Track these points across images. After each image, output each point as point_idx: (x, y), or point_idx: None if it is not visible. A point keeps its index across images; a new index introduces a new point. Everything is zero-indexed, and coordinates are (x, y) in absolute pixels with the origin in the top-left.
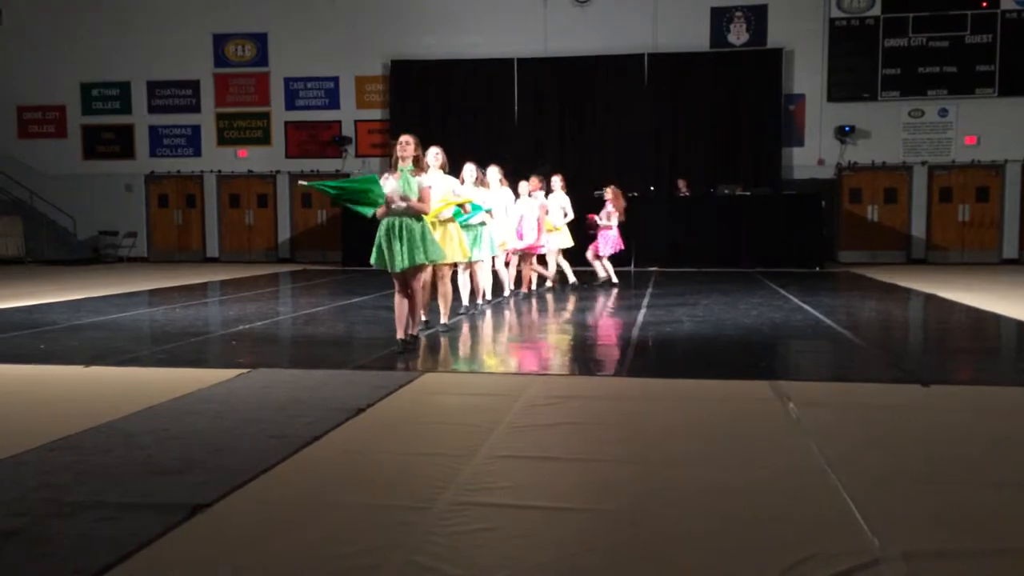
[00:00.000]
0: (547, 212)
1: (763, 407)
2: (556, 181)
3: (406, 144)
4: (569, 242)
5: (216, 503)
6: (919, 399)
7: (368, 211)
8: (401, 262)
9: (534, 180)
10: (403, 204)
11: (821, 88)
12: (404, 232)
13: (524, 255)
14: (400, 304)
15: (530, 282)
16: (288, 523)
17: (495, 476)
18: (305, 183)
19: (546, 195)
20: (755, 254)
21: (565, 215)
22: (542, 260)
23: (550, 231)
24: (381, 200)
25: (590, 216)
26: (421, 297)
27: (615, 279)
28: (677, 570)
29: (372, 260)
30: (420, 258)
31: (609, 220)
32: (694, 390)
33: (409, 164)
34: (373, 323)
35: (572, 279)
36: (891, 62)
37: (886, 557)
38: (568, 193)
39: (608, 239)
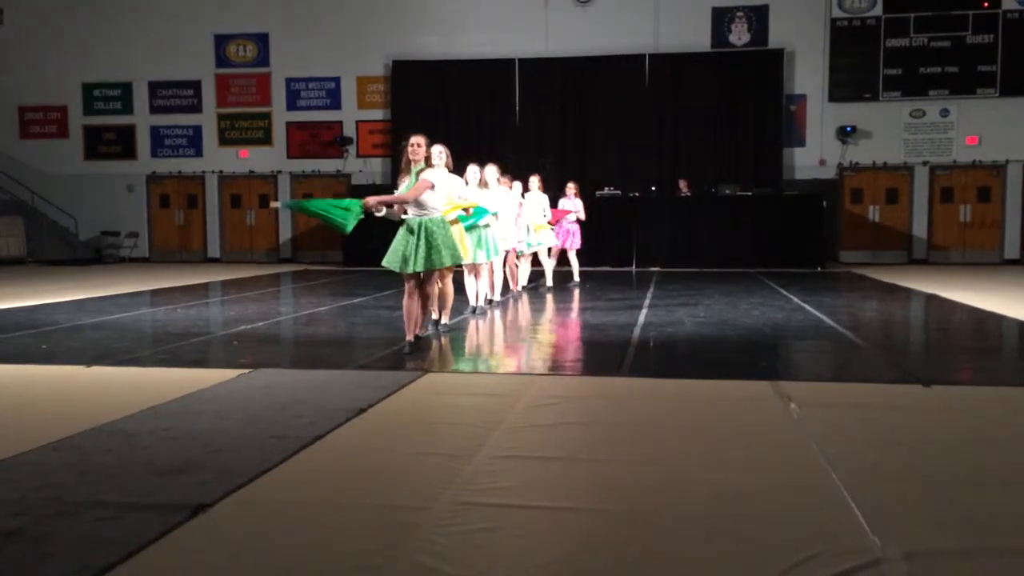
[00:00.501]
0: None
1: (764, 407)
2: (533, 181)
3: (417, 146)
4: (555, 240)
5: (217, 503)
6: (920, 399)
7: (347, 227)
8: (416, 264)
9: (504, 179)
10: (382, 212)
11: (822, 88)
12: (424, 233)
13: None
14: (410, 305)
15: (517, 280)
16: (289, 523)
17: (496, 476)
18: (278, 204)
19: (523, 194)
20: (756, 254)
21: (544, 215)
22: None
23: (538, 230)
24: (359, 212)
25: (564, 211)
26: (435, 299)
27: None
28: (678, 570)
29: (385, 261)
30: (441, 261)
31: (579, 214)
32: (695, 390)
33: (421, 165)
34: (374, 323)
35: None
36: (892, 62)
37: (887, 557)
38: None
39: (577, 234)
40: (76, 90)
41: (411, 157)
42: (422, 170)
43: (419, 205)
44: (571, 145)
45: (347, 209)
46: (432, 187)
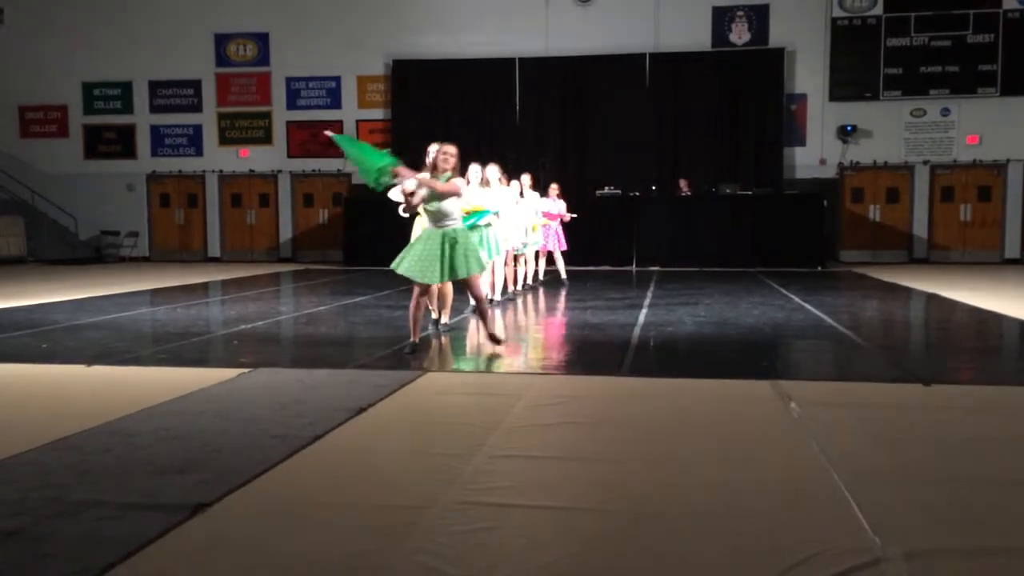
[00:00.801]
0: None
1: (764, 407)
2: (525, 180)
3: (450, 156)
4: (542, 240)
5: (217, 503)
6: (920, 398)
7: (375, 181)
8: (442, 275)
9: (502, 178)
10: (408, 185)
11: (823, 87)
12: (448, 244)
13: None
14: (416, 310)
15: (515, 280)
16: (289, 523)
17: (496, 476)
18: (330, 133)
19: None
20: (756, 254)
21: (536, 214)
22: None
23: (533, 230)
24: (387, 170)
25: (559, 214)
26: (435, 298)
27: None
28: (678, 569)
29: (404, 270)
30: (470, 269)
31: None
32: (695, 390)
33: (448, 174)
34: (374, 323)
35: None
36: (893, 61)
37: (887, 556)
38: (569, 192)
39: (561, 235)
40: (76, 89)
41: (441, 165)
42: (450, 178)
43: (442, 214)
44: (571, 144)
45: (376, 162)
46: (459, 195)
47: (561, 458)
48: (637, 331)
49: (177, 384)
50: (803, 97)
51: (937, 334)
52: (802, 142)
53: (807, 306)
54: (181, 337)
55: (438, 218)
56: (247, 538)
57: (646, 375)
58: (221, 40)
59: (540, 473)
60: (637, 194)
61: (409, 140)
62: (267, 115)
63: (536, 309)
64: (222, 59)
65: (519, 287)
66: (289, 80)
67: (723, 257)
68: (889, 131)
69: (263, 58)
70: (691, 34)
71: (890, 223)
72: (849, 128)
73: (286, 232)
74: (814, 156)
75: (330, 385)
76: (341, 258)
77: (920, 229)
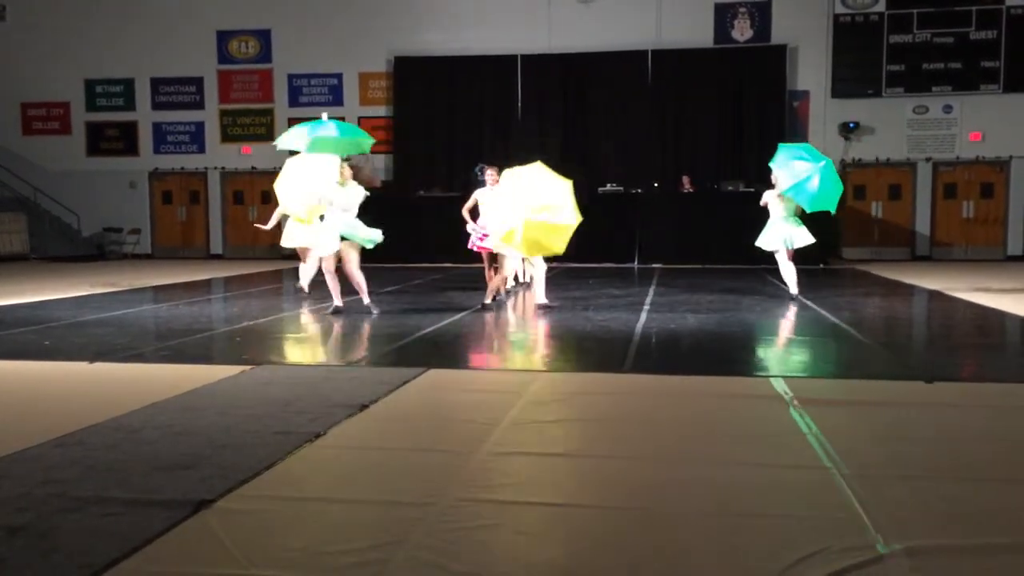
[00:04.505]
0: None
1: (767, 404)
2: None
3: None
4: None
5: (220, 499)
6: (922, 395)
7: None
8: None
9: (493, 173)
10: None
11: (825, 84)
12: None
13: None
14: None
15: (516, 277)
16: (292, 519)
17: (499, 472)
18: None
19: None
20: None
21: None
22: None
23: None
24: None
25: None
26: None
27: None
28: (681, 566)
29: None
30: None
31: None
32: (698, 387)
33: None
34: (375, 320)
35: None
36: (896, 58)
37: (890, 553)
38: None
39: None
40: (79, 86)
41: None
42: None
43: None
44: (573, 141)
45: None
46: None
47: (563, 455)
48: (639, 328)
49: (180, 381)
50: (805, 94)
51: (939, 331)
52: (804, 139)
53: (809, 303)
54: (184, 334)
55: None
56: (250, 534)
57: (649, 372)
58: (223, 37)
59: (542, 470)
60: (639, 191)
61: (411, 137)
62: (269, 112)
63: (537, 307)
64: (224, 56)
65: (520, 283)
66: (291, 77)
67: (726, 254)
68: (892, 128)
69: (265, 55)
70: (693, 31)
71: (892, 220)
72: (852, 125)
73: None
74: None
75: (332, 382)
76: None
77: (923, 226)
